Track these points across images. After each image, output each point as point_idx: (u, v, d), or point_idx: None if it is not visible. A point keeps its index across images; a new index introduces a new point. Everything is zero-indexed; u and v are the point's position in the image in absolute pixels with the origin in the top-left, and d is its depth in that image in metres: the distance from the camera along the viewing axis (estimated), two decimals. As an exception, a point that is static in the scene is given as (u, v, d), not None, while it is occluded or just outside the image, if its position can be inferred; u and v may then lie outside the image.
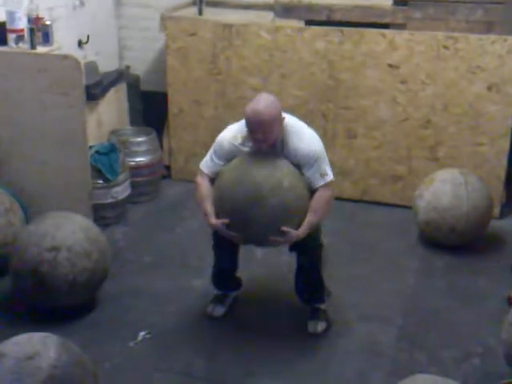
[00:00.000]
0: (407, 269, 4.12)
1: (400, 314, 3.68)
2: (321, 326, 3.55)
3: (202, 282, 3.92)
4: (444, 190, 4.21)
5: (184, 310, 3.71)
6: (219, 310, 3.67)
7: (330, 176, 3.33)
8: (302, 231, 3.26)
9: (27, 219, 4.02)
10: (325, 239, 3.87)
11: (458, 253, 4.23)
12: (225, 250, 3.53)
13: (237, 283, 3.76)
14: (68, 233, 3.53)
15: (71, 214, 3.72)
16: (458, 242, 4.25)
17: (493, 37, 4.43)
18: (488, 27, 4.51)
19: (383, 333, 3.54)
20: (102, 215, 4.46)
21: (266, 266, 4.06)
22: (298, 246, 3.41)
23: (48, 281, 3.44)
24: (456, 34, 4.50)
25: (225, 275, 3.69)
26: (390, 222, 4.65)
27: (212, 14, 5.14)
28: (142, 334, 3.49)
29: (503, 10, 4.44)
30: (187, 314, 3.68)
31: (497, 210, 4.59)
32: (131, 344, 3.42)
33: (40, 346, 2.68)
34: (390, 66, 4.65)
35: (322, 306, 3.62)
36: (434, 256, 4.24)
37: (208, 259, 4.10)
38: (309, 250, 3.44)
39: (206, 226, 3.42)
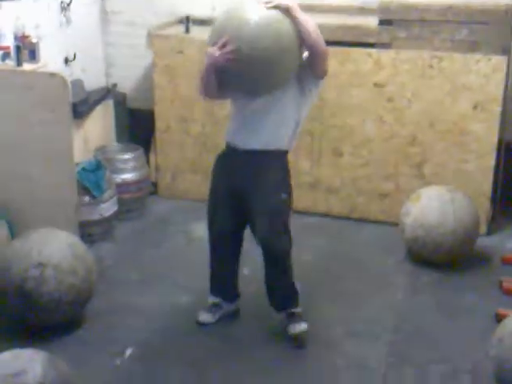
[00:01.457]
0: (395, 285, 4.12)
1: (388, 330, 3.68)
2: (303, 327, 3.54)
3: (189, 299, 3.91)
4: (431, 207, 4.22)
5: (171, 327, 3.68)
6: (206, 318, 3.67)
7: None
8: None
9: (13, 236, 3.98)
10: (311, 255, 3.89)
11: (445, 269, 4.24)
12: (223, 253, 3.62)
13: (233, 294, 3.75)
14: (54, 249, 3.51)
15: (57, 230, 3.69)
16: (445, 258, 4.26)
17: (477, 56, 4.48)
18: (473, 47, 4.55)
19: (372, 349, 3.53)
20: (89, 232, 4.43)
21: (254, 282, 4.03)
22: (267, 254, 3.46)
23: (34, 298, 3.41)
24: (441, 53, 4.55)
25: (220, 281, 3.70)
26: (378, 239, 4.66)
27: (199, 32, 5.16)
28: (129, 351, 3.46)
29: (488, 29, 4.48)
30: (175, 331, 3.65)
31: (483, 227, 4.61)
32: (118, 361, 3.39)
33: (27, 362, 2.66)
34: (376, 84, 4.69)
35: (298, 310, 3.59)
36: (421, 272, 4.24)
37: (195, 276, 4.12)
38: (278, 259, 3.48)
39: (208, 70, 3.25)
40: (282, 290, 3.58)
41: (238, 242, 3.65)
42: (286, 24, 3.16)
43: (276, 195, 3.42)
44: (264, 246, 3.46)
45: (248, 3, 3.20)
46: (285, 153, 3.47)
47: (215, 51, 3.13)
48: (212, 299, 3.74)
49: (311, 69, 3.33)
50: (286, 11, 3.16)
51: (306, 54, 3.32)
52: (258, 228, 3.44)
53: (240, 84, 3.28)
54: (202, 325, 3.67)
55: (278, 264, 3.51)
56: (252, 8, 3.15)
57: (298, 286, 3.58)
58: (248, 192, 3.43)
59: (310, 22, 3.21)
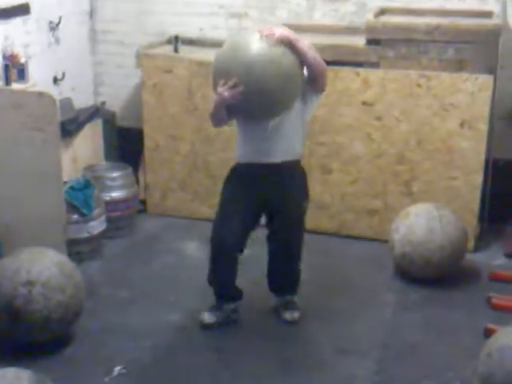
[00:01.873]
0: (384, 302, 4.12)
1: (377, 348, 3.67)
2: (297, 315, 3.84)
3: (178, 317, 3.89)
4: (418, 224, 4.24)
5: (160, 345, 3.66)
6: (210, 318, 3.75)
7: None
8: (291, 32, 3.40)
9: (1, 254, 3.96)
10: (302, 274, 3.90)
11: (433, 286, 4.24)
12: (226, 262, 3.72)
13: (236, 294, 3.83)
14: (43, 268, 3.50)
15: (46, 248, 3.69)
16: (433, 275, 4.27)
17: (464, 75, 4.52)
18: (459, 66, 4.60)
19: (360, 366, 3.51)
20: (77, 250, 4.41)
21: (251, 299, 4.02)
22: (283, 248, 3.74)
23: (22, 316, 3.39)
24: (428, 73, 4.59)
25: (223, 285, 3.80)
26: (367, 256, 4.67)
27: (188, 52, 5.19)
28: (117, 369, 3.43)
29: (474, 49, 4.53)
30: (163, 350, 3.63)
31: (471, 244, 4.62)
32: (106, 379, 3.36)
33: (14, 381, 2.65)
34: (365, 103, 4.72)
35: (295, 299, 3.89)
36: (410, 289, 4.25)
37: (185, 294, 4.11)
38: (293, 252, 3.79)
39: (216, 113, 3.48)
40: (286, 276, 3.87)
41: (241, 252, 3.76)
42: (288, 56, 3.35)
43: (298, 207, 3.74)
44: (283, 245, 3.78)
45: (251, 37, 3.36)
46: (300, 160, 3.71)
47: (224, 91, 3.30)
48: (217, 300, 3.82)
49: (311, 85, 3.52)
50: (287, 43, 3.34)
51: (305, 71, 3.49)
52: (280, 235, 3.74)
53: (250, 115, 3.46)
54: (206, 326, 3.75)
55: (292, 258, 3.82)
56: (256, 44, 3.31)
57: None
58: (271, 201, 3.65)
59: (310, 49, 3.42)
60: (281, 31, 3.35)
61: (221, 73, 3.37)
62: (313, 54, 3.42)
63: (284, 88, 3.34)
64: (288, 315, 3.84)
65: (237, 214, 3.63)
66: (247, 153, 3.62)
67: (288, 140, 3.56)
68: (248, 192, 3.61)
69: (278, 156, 3.56)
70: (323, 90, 3.60)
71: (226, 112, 3.42)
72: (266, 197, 3.63)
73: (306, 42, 3.42)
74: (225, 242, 3.65)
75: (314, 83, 3.52)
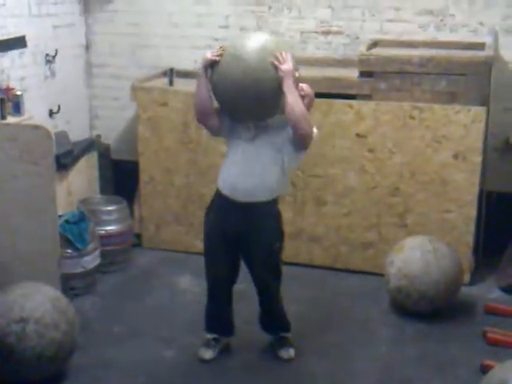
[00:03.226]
0: (379, 336, 4.11)
1: (373, 383, 3.65)
2: (292, 352, 3.83)
3: (173, 353, 3.87)
4: (414, 258, 4.24)
5: (155, 382, 3.63)
6: (209, 354, 3.78)
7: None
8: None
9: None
10: (295, 306, 3.89)
11: (429, 320, 4.22)
12: (220, 294, 3.77)
13: (229, 329, 3.88)
14: (36, 304, 3.49)
15: (40, 284, 3.68)
16: (428, 308, 4.26)
17: (457, 107, 4.55)
18: (452, 97, 4.62)
19: (356, 402, 3.51)
20: (71, 285, 4.39)
21: (246, 337, 4.01)
22: (261, 292, 3.77)
23: (15, 353, 3.37)
24: (421, 104, 4.62)
25: (217, 319, 3.84)
26: (362, 289, 4.65)
27: (183, 85, 5.21)
28: (111, 407, 3.42)
29: (466, 80, 4.56)
30: (158, 387, 3.62)
31: (466, 277, 4.61)
32: (100, 418, 3.35)
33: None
34: (358, 135, 4.74)
35: (288, 335, 3.88)
36: (405, 323, 4.23)
37: (179, 330, 4.09)
38: (271, 295, 3.79)
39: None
40: (275, 316, 3.88)
41: (233, 283, 3.81)
42: (271, 71, 3.43)
43: (271, 245, 3.68)
44: (259, 287, 3.78)
45: (259, 37, 3.54)
46: (276, 200, 3.68)
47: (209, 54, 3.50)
48: (210, 335, 3.84)
49: (293, 139, 3.56)
50: (282, 76, 3.43)
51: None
52: (255, 274, 3.74)
53: (233, 96, 3.47)
54: (205, 362, 3.77)
55: (271, 298, 3.82)
56: (259, 45, 3.47)
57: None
58: (243, 240, 3.63)
59: (299, 105, 3.46)
60: (288, 68, 3.42)
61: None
62: (299, 110, 3.45)
63: (258, 75, 3.40)
64: (284, 353, 3.83)
65: (216, 250, 3.69)
66: (224, 175, 3.64)
67: (262, 172, 3.55)
68: (220, 230, 3.65)
69: (252, 192, 3.56)
70: (304, 149, 3.65)
71: (208, 90, 3.52)
72: (237, 234, 3.62)
73: (299, 100, 3.49)
74: (215, 275, 3.73)
75: (294, 137, 3.55)
